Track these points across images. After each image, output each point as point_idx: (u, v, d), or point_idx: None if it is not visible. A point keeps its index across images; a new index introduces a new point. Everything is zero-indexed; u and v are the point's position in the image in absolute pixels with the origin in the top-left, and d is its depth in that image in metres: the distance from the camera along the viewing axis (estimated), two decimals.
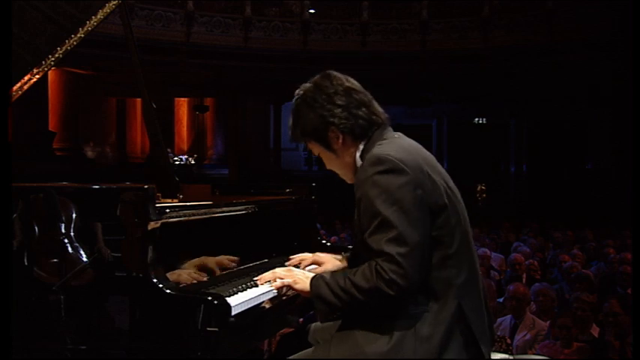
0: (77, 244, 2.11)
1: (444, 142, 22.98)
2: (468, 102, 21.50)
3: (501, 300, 5.47)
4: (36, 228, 2.16)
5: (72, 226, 2.13)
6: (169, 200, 2.44)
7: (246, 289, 2.24)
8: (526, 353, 4.54)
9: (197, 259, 2.38)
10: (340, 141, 2.16)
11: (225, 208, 2.62)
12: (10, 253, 2.10)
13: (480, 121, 23.40)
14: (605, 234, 10.31)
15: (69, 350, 2.09)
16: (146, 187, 2.10)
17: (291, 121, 2.24)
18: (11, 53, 2.38)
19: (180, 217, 2.27)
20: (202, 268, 2.39)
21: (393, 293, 1.90)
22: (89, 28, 2.74)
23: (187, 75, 17.54)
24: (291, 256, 2.67)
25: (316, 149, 2.24)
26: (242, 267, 2.63)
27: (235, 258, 2.61)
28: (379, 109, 2.21)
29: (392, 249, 1.90)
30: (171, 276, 2.16)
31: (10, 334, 1.97)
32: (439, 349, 1.97)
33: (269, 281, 2.26)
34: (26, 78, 2.65)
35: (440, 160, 2.18)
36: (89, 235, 2.11)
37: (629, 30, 11.70)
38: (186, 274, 2.28)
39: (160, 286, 2.03)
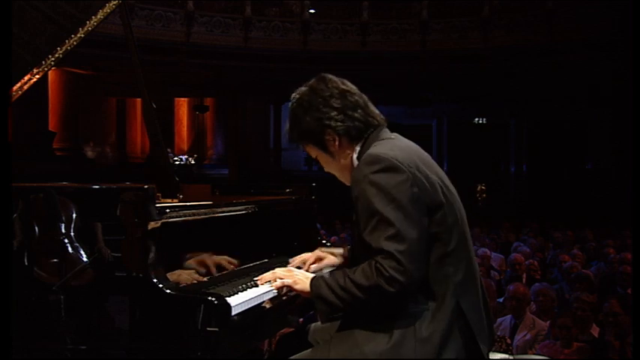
0: (77, 244, 2.11)
1: (444, 142, 22.98)
2: (468, 102, 21.51)
3: (501, 300, 5.47)
4: (36, 228, 2.16)
5: (72, 226, 2.13)
6: (169, 200, 2.44)
7: (246, 289, 2.24)
8: (526, 353, 4.55)
9: (197, 259, 2.38)
10: (337, 143, 2.18)
11: (225, 208, 2.62)
12: (10, 253, 2.10)
13: (480, 121, 23.41)
14: (605, 234, 10.31)
15: (69, 350, 2.09)
16: (146, 187, 2.10)
17: (288, 125, 2.27)
18: (11, 53, 2.38)
19: (180, 217, 2.27)
20: (202, 268, 2.39)
21: (393, 290, 1.90)
22: (89, 28, 2.74)
23: (187, 75, 17.54)
24: (293, 258, 2.67)
25: (314, 152, 2.26)
26: (242, 267, 2.63)
27: (235, 258, 2.61)
28: (375, 110, 2.23)
29: (391, 246, 1.91)
30: (172, 276, 2.16)
31: (10, 334, 1.97)
32: (438, 348, 1.97)
33: (269, 281, 2.27)
34: (26, 78, 2.65)
35: (440, 160, 2.19)
36: (89, 235, 2.11)
37: (629, 30, 11.71)
38: (186, 274, 2.28)
39: (160, 286, 2.03)
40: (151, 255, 2.06)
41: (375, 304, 1.98)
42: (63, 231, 2.12)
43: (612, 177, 15.45)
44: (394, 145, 2.12)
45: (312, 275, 2.18)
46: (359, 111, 2.18)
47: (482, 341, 2.05)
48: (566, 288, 6.04)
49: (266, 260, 2.83)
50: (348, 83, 2.23)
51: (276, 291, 2.24)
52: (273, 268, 2.33)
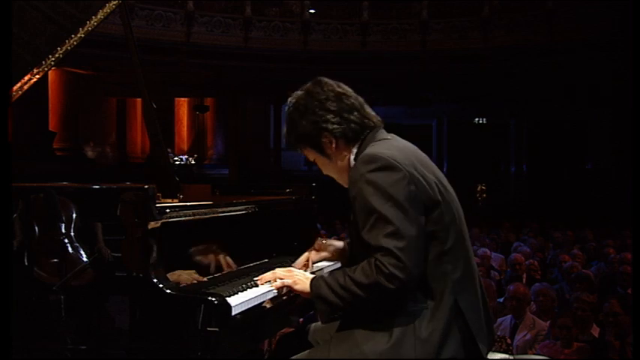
0: (77, 244, 2.11)
1: (444, 142, 22.98)
2: (468, 102, 21.50)
3: (501, 300, 5.47)
4: (36, 228, 2.17)
5: (72, 226, 2.13)
6: (169, 200, 2.44)
7: (246, 289, 2.24)
8: (526, 353, 4.55)
9: (197, 259, 2.38)
10: (334, 145, 2.20)
11: (225, 208, 2.62)
12: (10, 253, 2.10)
13: (480, 121, 23.41)
14: (605, 234, 10.31)
15: (69, 350, 2.09)
16: (146, 187, 2.10)
17: (285, 129, 2.28)
18: (11, 53, 2.38)
19: (180, 217, 2.27)
20: (202, 268, 2.39)
21: (393, 287, 1.91)
22: (89, 28, 2.74)
23: (187, 75, 17.54)
24: (296, 262, 2.66)
25: (311, 155, 2.28)
26: (242, 267, 2.63)
27: (235, 258, 2.60)
28: (371, 112, 2.25)
29: (390, 243, 1.92)
30: (172, 276, 2.16)
31: (10, 334, 1.97)
32: (438, 347, 1.98)
33: (269, 281, 2.27)
34: (26, 78, 2.65)
35: (440, 160, 2.20)
36: (89, 235, 2.11)
37: (629, 30, 11.70)
38: (186, 274, 2.28)
39: (161, 286, 2.03)
40: (151, 255, 2.06)
41: (376, 302, 1.99)
42: (63, 231, 2.13)
43: (612, 177, 15.45)
44: (391, 145, 2.14)
45: (312, 275, 2.18)
46: (355, 113, 2.20)
47: (481, 341, 2.06)
48: (567, 288, 6.04)
49: (266, 260, 2.83)
50: (344, 86, 2.25)
51: (276, 291, 2.24)
52: (273, 268, 2.33)
